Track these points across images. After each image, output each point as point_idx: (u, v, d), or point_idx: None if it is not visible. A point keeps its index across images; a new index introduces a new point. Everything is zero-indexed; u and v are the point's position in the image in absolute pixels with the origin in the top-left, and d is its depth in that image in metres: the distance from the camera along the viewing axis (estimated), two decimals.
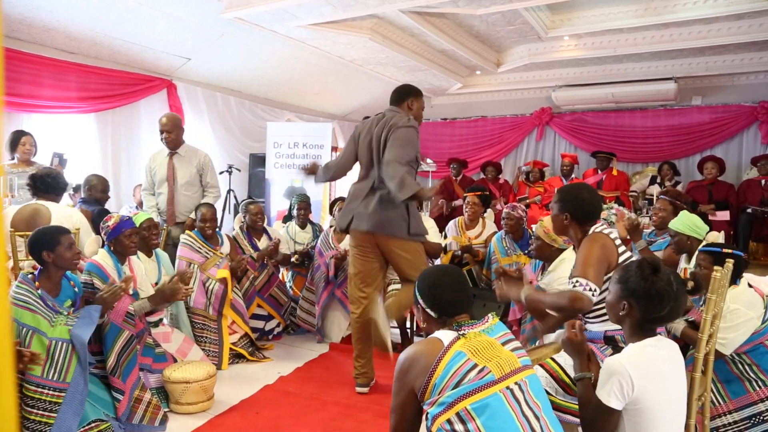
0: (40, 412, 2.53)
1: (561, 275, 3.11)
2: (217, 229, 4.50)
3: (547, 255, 3.40)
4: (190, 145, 4.71)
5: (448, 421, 1.62)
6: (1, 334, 0.55)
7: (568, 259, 3.30)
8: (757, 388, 2.60)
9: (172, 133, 4.53)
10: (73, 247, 2.92)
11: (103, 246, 3.43)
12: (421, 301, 1.90)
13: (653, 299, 1.77)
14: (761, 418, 2.58)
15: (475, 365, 1.65)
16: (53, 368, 2.59)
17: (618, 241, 2.45)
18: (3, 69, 0.52)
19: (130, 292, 3.24)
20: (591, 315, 2.43)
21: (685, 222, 3.30)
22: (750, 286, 2.74)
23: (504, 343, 1.77)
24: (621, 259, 2.41)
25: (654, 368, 1.75)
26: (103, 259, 3.30)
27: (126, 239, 3.35)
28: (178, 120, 4.67)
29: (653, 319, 1.80)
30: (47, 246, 2.83)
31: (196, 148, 4.72)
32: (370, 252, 3.51)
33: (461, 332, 1.75)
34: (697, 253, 2.93)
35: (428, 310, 1.88)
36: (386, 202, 3.40)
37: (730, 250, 2.73)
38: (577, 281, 2.28)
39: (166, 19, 5.14)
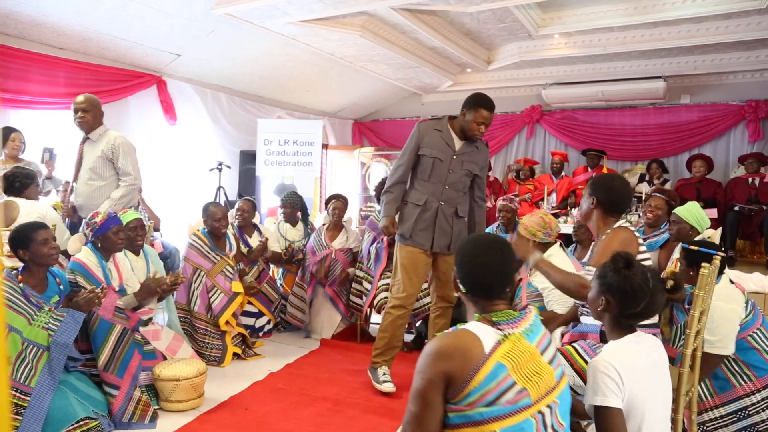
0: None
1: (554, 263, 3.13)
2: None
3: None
4: (107, 128, 4.04)
5: None
6: None
7: (555, 254, 3.32)
8: (743, 383, 2.63)
9: (89, 113, 3.88)
10: (49, 242, 2.88)
11: (86, 243, 3.40)
12: (456, 270, 1.73)
13: (627, 294, 1.77)
14: (747, 412, 2.62)
15: (514, 383, 1.49)
16: (22, 370, 2.55)
17: (641, 240, 2.46)
18: None
19: (116, 288, 3.22)
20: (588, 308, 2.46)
21: (693, 212, 3.32)
22: (731, 282, 2.76)
23: (543, 351, 1.61)
24: (640, 257, 2.40)
25: (637, 364, 1.75)
26: (87, 257, 3.27)
27: (113, 236, 3.32)
28: (96, 100, 4.02)
29: (629, 315, 1.80)
30: (22, 244, 2.82)
31: (109, 130, 4.03)
32: None
33: (503, 332, 1.56)
34: (680, 248, 2.95)
35: (459, 283, 1.72)
36: None
37: (712, 252, 2.70)
38: (589, 270, 2.33)
39: (155, 14, 5.10)
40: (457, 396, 1.49)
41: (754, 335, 2.67)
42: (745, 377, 2.63)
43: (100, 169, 3.92)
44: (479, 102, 3.37)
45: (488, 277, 1.65)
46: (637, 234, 2.45)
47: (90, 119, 3.91)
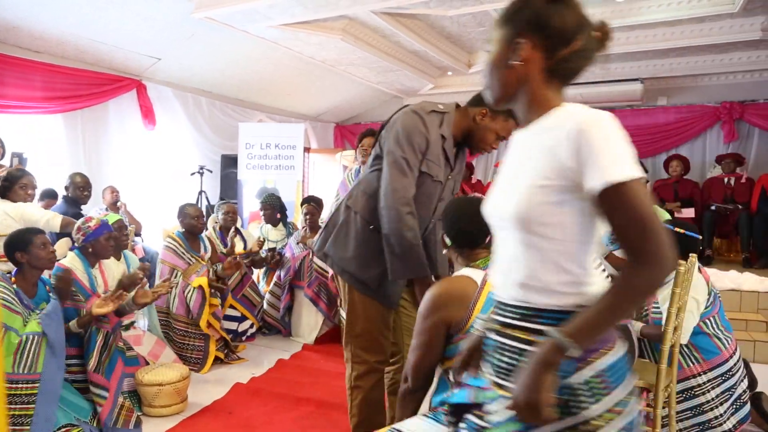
0: (19, 406, 2.53)
1: None
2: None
3: None
4: None
5: None
6: None
7: None
8: (691, 365, 2.76)
9: None
10: (47, 246, 2.93)
11: (72, 248, 3.39)
12: (443, 228, 1.94)
13: None
14: (692, 393, 2.74)
15: None
16: (23, 362, 2.58)
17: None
18: None
19: (101, 295, 3.21)
20: None
21: None
22: (699, 270, 2.83)
23: None
24: None
25: None
26: (72, 262, 3.26)
27: (105, 242, 3.34)
28: None
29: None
30: (20, 247, 2.85)
31: None
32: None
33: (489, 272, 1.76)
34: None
35: (446, 238, 1.91)
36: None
37: (682, 231, 2.84)
38: None
39: (134, 18, 5.07)
40: (463, 327, 1.70)
41: (707, 322, 2.79)
42: (693, 359, 2.75)
43: None
44: (507, 111, 2.20)
45: (469, 225, 1.83)
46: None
47: None
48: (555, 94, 1.21)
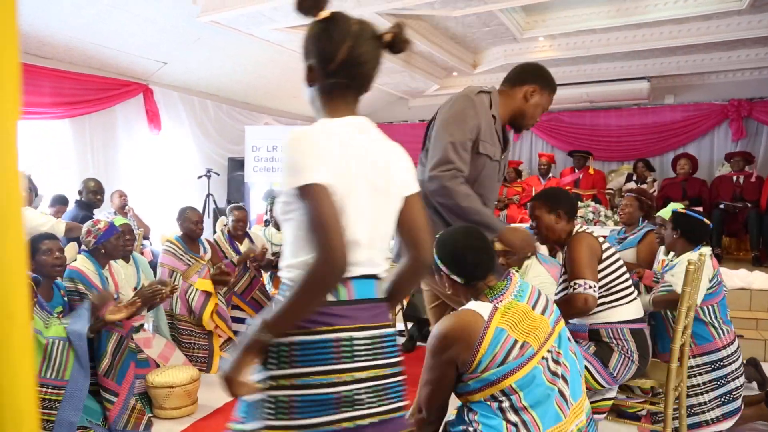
0: (41, 410, 2.54)
1: (531, 277, 3.19)
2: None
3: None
4: None
5: (492, 395, 1.70)
6: (23, 326, 0.58)
7: (531, 265, 3.37)
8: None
9: None
10: (53, 252, 2.93)
11: (80, 252, 3.41)
12: (444, 268, 1.82)
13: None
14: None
15: (516, 341, 1.70)
16: (51, 367, 2.61)
17: (601, 239, 2.52)
18: (20, 79, 0.54)
19: (114, 296, 3.24)
20: None
21: None
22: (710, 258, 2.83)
23: (534, 305, 1.79)
24: (605, 255, 2.48)
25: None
26: (84, 264, 3.29)
27: (116, 241, 3.38)
28: None
29: None
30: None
31: None
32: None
33: (496, 304, 1.75)
34: (670, 214, 3.02)
35: (453, 277, 1.82)
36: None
37: (699, 217, 2.87)
38: (575, 283, 2.36)
39: (141, 22, 5.10)
40: (470, 367, 1.70)
41: (705, 309, 2.80)
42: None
43: None
44: (554, 84, 2.34)
45: (477, 257, 1.79)
46: (595, 234, 2.50)
47: None
48: (338, 106, 1.41)
